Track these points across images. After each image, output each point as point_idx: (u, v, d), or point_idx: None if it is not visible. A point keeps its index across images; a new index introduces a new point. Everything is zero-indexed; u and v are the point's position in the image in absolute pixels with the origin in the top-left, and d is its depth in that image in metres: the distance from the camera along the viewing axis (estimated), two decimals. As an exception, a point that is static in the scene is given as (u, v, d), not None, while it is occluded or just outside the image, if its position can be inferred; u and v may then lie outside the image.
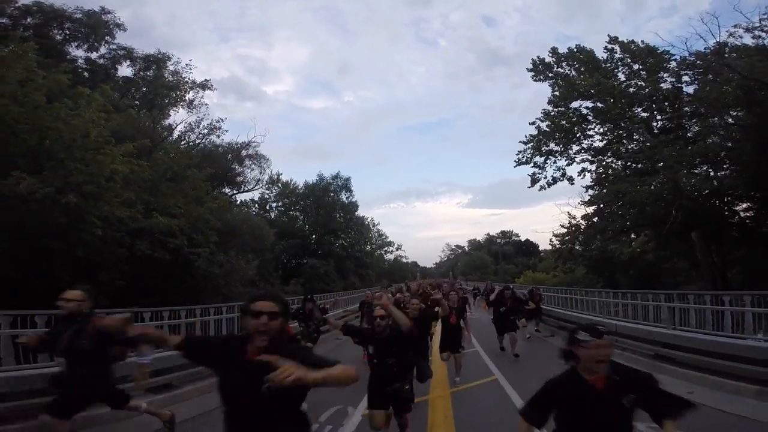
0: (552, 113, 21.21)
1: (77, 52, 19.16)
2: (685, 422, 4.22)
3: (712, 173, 17.02)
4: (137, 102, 20.71)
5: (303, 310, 7.40)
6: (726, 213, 17.69)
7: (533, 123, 21.65)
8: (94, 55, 19.63)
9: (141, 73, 21.66)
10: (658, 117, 19.61)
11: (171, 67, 22.61)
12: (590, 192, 21.20)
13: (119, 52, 20.50)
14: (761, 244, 16.23)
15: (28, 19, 17.53)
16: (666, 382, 5.95)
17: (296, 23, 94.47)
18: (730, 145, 15.99)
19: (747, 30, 15.09)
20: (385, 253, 50.87)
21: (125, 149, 11.23)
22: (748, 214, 17.64)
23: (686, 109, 18.33)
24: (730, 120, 16.17)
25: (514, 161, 22.25)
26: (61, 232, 9.76)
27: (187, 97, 23.29)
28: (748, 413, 4.37)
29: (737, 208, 17.75)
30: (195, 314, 9.39)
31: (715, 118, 16.15)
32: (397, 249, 52.11)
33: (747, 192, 16.32)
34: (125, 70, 21.40)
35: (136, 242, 12.43)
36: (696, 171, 16.55)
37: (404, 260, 57.83)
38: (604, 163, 20.88)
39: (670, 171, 15.53)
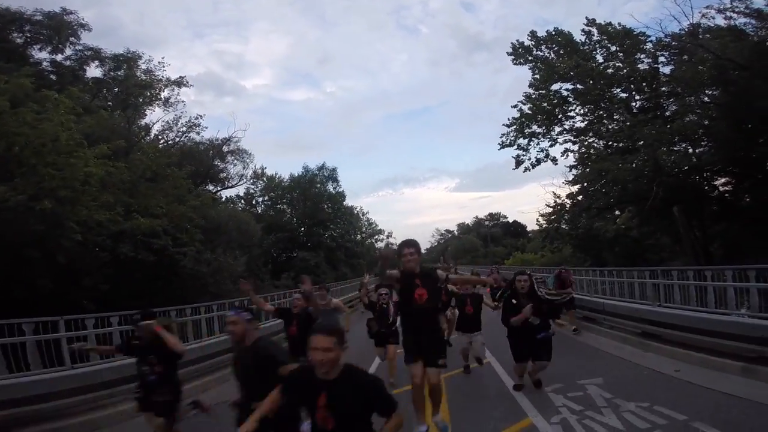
0: (533, 96, 21.41)
1: (41, 55, 18.43)
2: (675, 401, 4.35)
3: (690, 150, 17.43)
4: (110, 103, 20.25)
5: (135, 340, 4.05)
6: (705, 188, 18.15)
7: (515, 106, 21.87)
8: (59, 57, 18.90)
9: (111, 73, 21.06)
10: (637, 97, 19.96)
11: (143, 66, 22.10)
12: (574, 171, 21.60)
13: (86, 53, 19.78)
14: (740, 218, 16.70)
15: (-17, 24, 16.65)
16: (653, 360, 6.14)
17: (273, 15, 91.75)
18: (706, 123, 16.41)
19: (719, 11, 15.37)
20: (376, 242, 50.90)
21: (99, 151, 10.88)
22: (726, 189, 18.14)
23: (663, 89, 18.66)
24: (706, 99, 16.53)
25: (498, 144, 22.47)
26: (39, 240, 9.46)
27: (162, 96, 22.86)
28: (734, 391, 4.45)
29: (716, 182, 18.29)
30: (185, 314, 9.24)
31: (692, 98, 16.48)
32: (388, 236, 52.13)
33: (725, 167, 16.79)
34: (94, 71, 20.81)
35: (118, 245, 12.17)
36: (675, 148, 16.94)
37: (395, 248, 58.02)
38: (586, 142, 21.22)
39: (650, 149, 15.90)
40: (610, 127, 20.08)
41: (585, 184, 20.33)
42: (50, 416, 4.76)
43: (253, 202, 33.74)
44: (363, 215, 47.78)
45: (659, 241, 23.21)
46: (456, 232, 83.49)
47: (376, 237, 50.76)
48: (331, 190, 37.21)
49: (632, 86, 19.57)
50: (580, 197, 20.68)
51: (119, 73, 21.11)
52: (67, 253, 10.04)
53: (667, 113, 18.48)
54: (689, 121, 16.67)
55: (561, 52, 20.32)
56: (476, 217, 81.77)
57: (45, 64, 18.36)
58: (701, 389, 4.73)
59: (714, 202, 18.29)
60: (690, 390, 4.78)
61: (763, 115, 13.27)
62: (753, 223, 15.82)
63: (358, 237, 43.74)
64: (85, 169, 9.99)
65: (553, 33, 20.49)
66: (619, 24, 19.18)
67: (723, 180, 18.05)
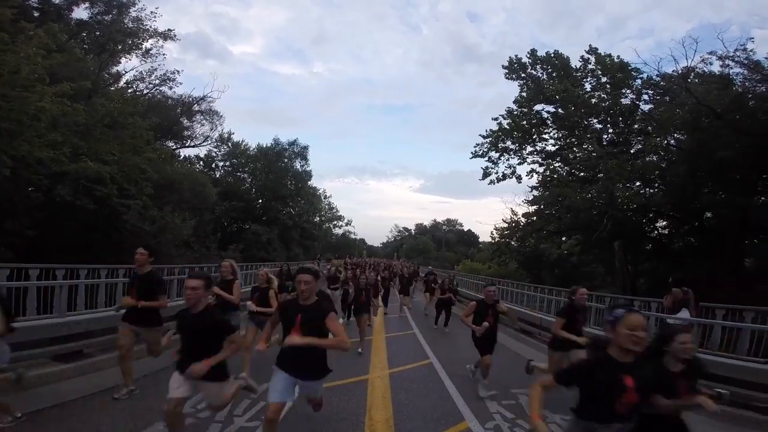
0: (515, 112, 21.85)
1: None
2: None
3: (642, 190, 18.11)
4: (86, 46, 18.58)
5: None
6: (646, 228, 19.28)
7: (496, 119, 22.30)
8: (48, -6, 16.96)
9: (98, 17, 19.40)
10: (610, 130, 20.58)
11: (133, 14, 20.45)
12: (535, 192, 22.41)
13: (78, -8, 17.98)
14: (668, 259, 18.13)
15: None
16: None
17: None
18: (664, 165, 17.06)
19: (720, 58, 15.00)
20: (334, 227, 50.57)
21: (59, 89, 9.87)
22: (664, 232, 19.47)
23: (636, 126, 19.33)
24: (672, 141, 17.01)
25: (471, 153, 22.93)
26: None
27: (144, 46, 21.23)
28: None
29: (657, 224, 19.37)
30: (118, 275, 8.28)
31: (659, 138, 16.87)
32: (347, 224, 52.00)
33: (668, 211, 17.68)
34: (82, 12, 19.02)
35: (56, 187, 11.06)
36: (630, 185, 17.54)
37: (352, 236, 57.95)
38: (552, 167, 21.99)
39: (609, 182, 16.47)
40: (577, 155, 20.64)
41: (542, 206, 21.21)
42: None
43: (213, 165, 32.14)
44: (325, 198, 47.25)
45: (595, 269, 24.91)
46: (413, 232, 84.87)
47: (335, 222, 50.50)
48: (298, 167, 36.31)
49: (609, 119, 20.01)
50: (535, 218, 21.57)
51: (106, 18, 19.50)
52: (-9, 188, 9.01)
53: (632, 150, 19.03)
54: (650, 161, 17.18)
55: (554, 74, 20.61)
56: (434, 220, 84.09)
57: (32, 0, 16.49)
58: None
59: (650, 242, 19.53)
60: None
61: (719, 166, 13.47)
62: (678, 265, 17.11)
63: (317, 219, 43.18)
64: (38, 104, 9.02)
65: (552, 55, 20.85)
66: (618, 57, 19.42)
67: (663, 222, 19.06)
